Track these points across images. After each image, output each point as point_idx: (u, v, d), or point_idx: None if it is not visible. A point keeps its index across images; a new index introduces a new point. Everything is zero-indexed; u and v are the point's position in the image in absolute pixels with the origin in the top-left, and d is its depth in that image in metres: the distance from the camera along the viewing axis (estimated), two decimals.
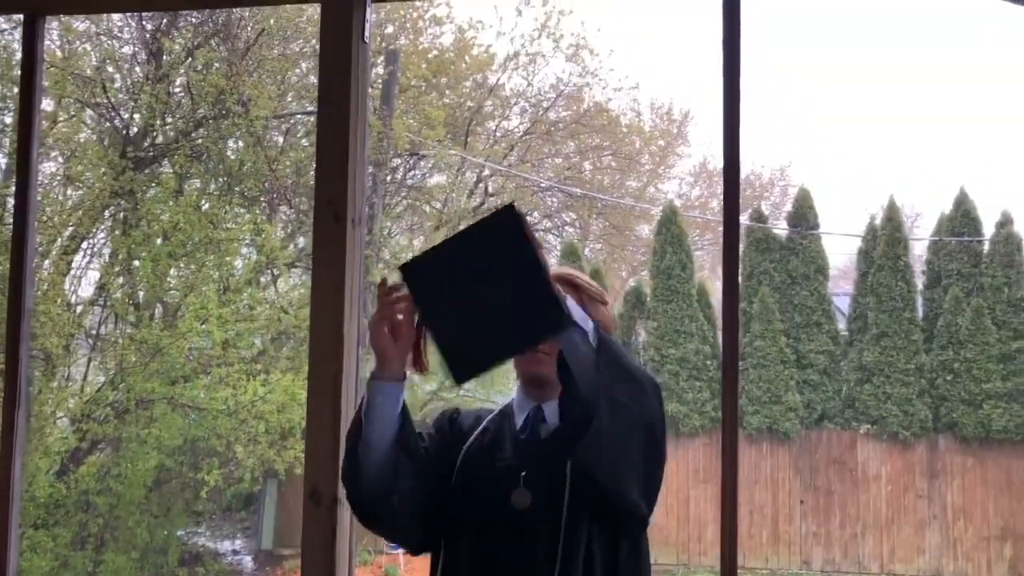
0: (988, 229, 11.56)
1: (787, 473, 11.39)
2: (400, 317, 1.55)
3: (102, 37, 9.87)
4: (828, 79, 29.40)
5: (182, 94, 9.81)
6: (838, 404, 11.53)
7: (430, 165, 13.15)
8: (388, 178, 12.15)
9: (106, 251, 9.37)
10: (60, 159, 9.38)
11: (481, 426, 1.73)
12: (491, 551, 1.60)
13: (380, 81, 11.18)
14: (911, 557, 11.06)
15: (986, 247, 11.46)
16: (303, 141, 11.01)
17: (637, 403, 1.49)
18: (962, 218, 11.59)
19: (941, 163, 28.37)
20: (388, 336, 1.56)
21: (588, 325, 1.47)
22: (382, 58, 11.41)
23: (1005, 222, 11.43)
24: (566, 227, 16.79)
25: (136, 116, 9.52)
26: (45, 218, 8.46)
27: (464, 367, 1.45)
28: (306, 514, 2.13)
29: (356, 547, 2.24)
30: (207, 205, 9.45)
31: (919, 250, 13.84)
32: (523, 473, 1.60)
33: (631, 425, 1.48)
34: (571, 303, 1.46)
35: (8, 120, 8.94)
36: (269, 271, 10.31)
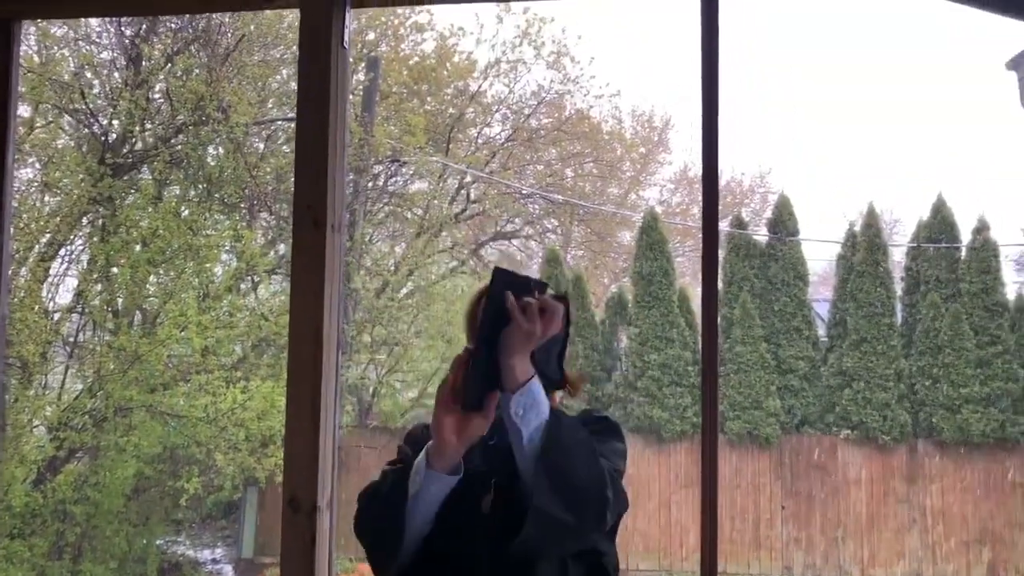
0: (965, 235, 11.68)
1: (768, 478, 11.43)
2: (464, 413, 1.56)
3: (80, 43, 9.80)
4: (807, 86, 29.64)
5: (161, 100, 9.75)
6: (818, 409, 11.59)
7: (411, 172, 13.14)
8: (369, 184, 12.13)
9: (84, 258, 9.28)
10: (37, 165, 9.30)
11: None
12: (464, 556, 1.61)
13: (361, 88, 11.17)
14: (891, 561, 11.13)
15: (963, 253, 11.58)
16: (284, 147, 10.98)
17: (574, 515, 1.48)
18: (940, 224, 11.70)
19: (920, 169, 28.64)
20: (453, 428, 1.56)
21: (531, 423, 1.49)
22: (363, 65, 11.40)
23: (982, 228, 11.55)
24: (548, 234, 16.83)
25: (115, 122, 9.45)
26: (22, 224, 8.38)
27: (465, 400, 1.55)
28: (285, 521, 2.11)
29: (336, 554, 2.23)
30: (186, 211, 9.39)
31: (898, 256, 13.96)
32: (493, 479, 1.62)
33: (563, 534, 1.49)
34: (531, 393, 1.50)
35: None
36: (249, 278, 10.27)
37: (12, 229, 2.62)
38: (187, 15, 9.15)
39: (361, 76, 11.20)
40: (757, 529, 11.34)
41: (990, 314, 11.26)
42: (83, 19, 9.15)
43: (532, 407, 1.50)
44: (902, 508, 11.22)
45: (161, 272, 8.95)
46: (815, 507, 11.33)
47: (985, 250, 11.43)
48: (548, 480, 1.46)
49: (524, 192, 15.32)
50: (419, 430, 1.78)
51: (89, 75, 9.71)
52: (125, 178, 9.33)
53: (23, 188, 8.99)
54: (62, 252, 9.11)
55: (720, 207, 2.23)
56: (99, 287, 9.01)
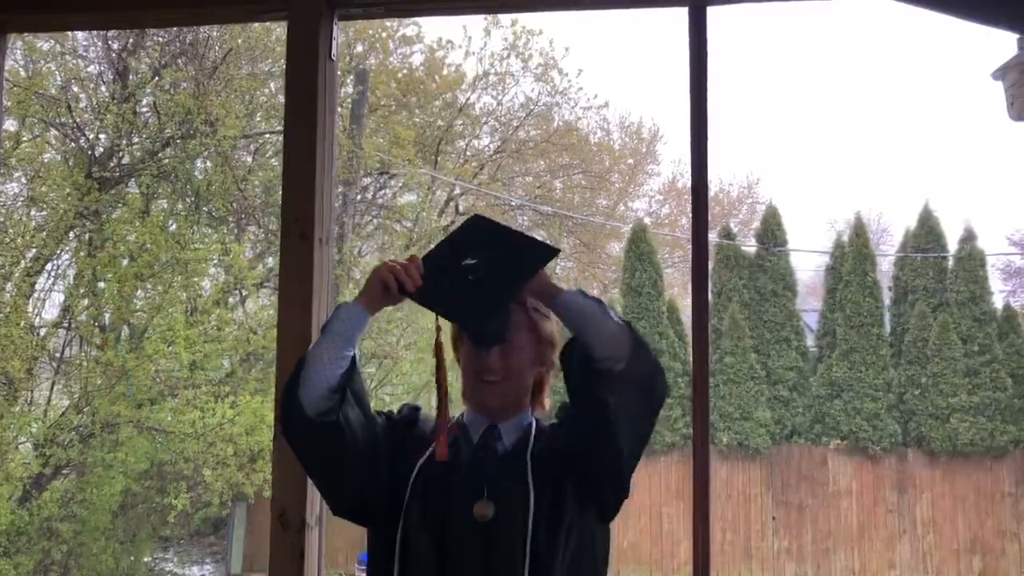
0: (952, 244, 11.74)
1: (759, 489, 11.42)
2: (407, 281, 1.65)
3: (67, 56, 9.77)
4: (794, 96, 29.82)
5: (149, 114, 9.72)
6: (808, 419, 11.60)
7: (400, 184, 13.14)
8: (358, 197, 12.11)
9: (71, 272, 9.23)
10: (24, 179, 9.24)
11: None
12: (454, 561, 1.63)
13: (350, 100, 11.17)
14: (882, 571, 11.12)
15: (951, 262, 11.64)
16: (272, 161, 10.95)
17: (653, 380, 1.71)
18: (927, 234, 11.76)
19: (907, 178, 28.84)
20: (391, 280, 1.65)
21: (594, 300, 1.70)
22: (352, 77, 11.41)
23: (968, 238, 11.62)
24: None
25: (102, 136, 9.42)
26: (8, 239, 8.33)
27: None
28: (274, 537, 2.10)
29: (324, 569, 2.21)
30: (174, 225, 9.36)
31: (886, 266, 14.02)
32: (485, 486, 1.65)
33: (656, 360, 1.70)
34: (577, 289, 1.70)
35: None
36: (237, 291, 10.22)
37: None
38: (174, 29, 9.14)
39: (350, 88, 11.20)
40: (748, 540, 11.33)
41: (978, 323, 11.31)
42: (70, 33, 9.12)
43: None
44: (892, 518, 11.22)
45: (148, 286, 8.90)
46: (806, 517, 11.33)
47: (972, 259, 11.49)
48: (629, 325, 1.69)
49: (513, 204, 15.34)
50: (405, 409, 1.83)
51: (76, 89, 9.68)
52: (112, 192, 9.29)
53: (9, 203, 8.94)
54: (48, 267, 9.05)
55: (708, 218, 2.23)
56: (86, 302, 8.95)
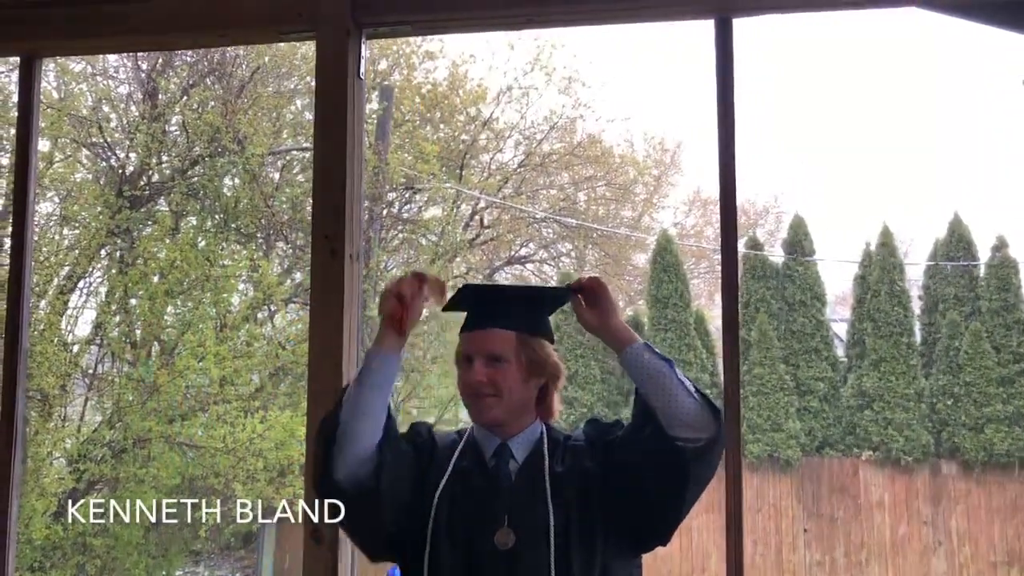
0: (983, 253, 11.59)
1: (790, 501, 11.31)
2: (411, 293, 1.69)
3: (98, 77, 9.93)
4: (820, 105, 29.66)
5: (178, 132, 9.85)
6: (839, 430, 11.48)
7: (425, 198, 13.20)
8: (384, 212, 12.18)
9: (103, 290, 9.35)
10: (56, 199, 9.39)
11: (454, 456, 1.74)
12: None
13: (375, 116, 11.25)
14: None
15: (982, 271, 11.49)
16: (299, 177, 11.05)
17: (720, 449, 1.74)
18: (957, 242, 11.62)
19: (935, 187, 28.55)
20: (398, 304, 1.67)
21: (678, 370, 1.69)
22: (376, 93, 11.49)
23: (1000, 246, 11.47)
24: (562, 257, 16.83)
25: (132, 155, 9.55)
26: (42, 258, 8.45)
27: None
28: (307, 553, 2.11)
29: None
30: (203, 242, 9.45)
31: (915, 275, 13.86)
32: (505, 513, 1.64)
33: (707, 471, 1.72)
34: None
35: (4, 161, 8.97)
36: (266, 307, 10.30)
37: (32, 263, 2.65)
38: (202, 49, 9.26)
39: (375, 104, 11.28)
40: (780, 553, 11.20)
41: (1011, 332, 11.14)
42: (101, 55, 9.27)
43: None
44: (927, 530, 11.06)
45: (179, 303, 8.99)
46: (838, 530, 11.19)
47: (1004, 267, 11.34)
48: (704, 397, 1.68)
49: (538, 216, 15.35)
50: (418, 428, 1.83)
51: (107, 109, 9.83)
52: (142, 210, 9.41)
53: (42, 222, 9.08)
54: (81, 284, 9.18)
55: (737, 229, 2.23)
56: (117, 319, 9.06)
